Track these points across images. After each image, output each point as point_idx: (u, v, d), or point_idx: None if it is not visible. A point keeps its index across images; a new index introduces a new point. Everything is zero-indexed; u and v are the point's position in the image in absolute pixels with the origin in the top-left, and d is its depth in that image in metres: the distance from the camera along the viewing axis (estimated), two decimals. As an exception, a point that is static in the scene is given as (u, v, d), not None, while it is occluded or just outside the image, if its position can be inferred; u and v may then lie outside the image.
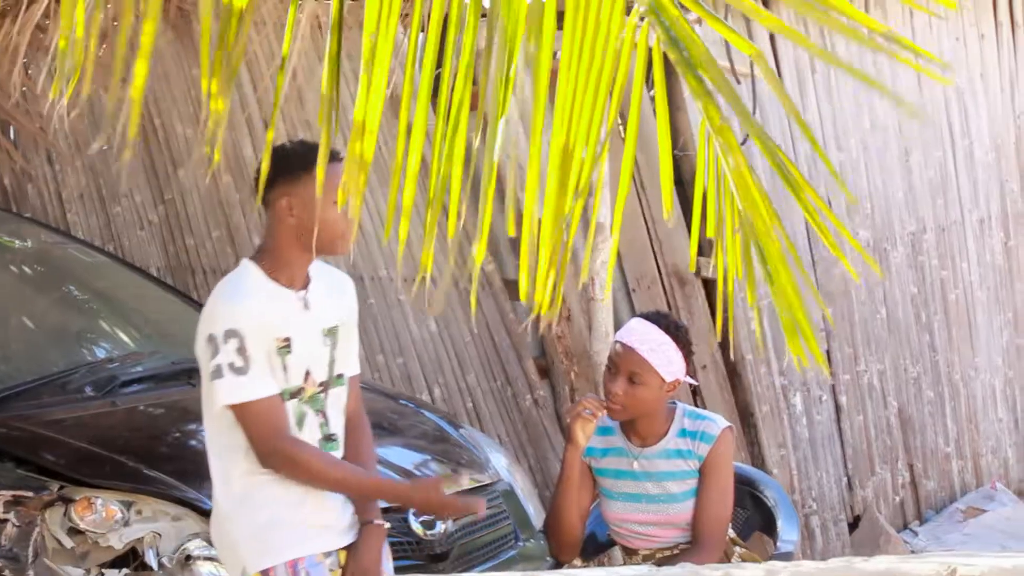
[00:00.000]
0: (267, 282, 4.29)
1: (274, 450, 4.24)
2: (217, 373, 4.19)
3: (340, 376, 4.43)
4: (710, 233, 3.12)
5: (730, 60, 7.30)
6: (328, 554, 4.36)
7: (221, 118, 2.90)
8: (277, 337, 4.25)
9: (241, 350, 4.17)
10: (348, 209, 4.27)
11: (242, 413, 4.22)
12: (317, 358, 4.36)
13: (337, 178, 4.14)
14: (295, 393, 4.30)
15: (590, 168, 2.91)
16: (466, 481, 5.37)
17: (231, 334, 4.18)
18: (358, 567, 4.40)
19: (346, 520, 4.44)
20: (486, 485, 5.74)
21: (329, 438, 4.40)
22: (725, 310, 3.29)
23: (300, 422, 4.32)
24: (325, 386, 4.38)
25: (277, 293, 4.30)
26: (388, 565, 4.54)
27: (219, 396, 4.21)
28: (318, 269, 4.45)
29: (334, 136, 2.99)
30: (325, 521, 4.37)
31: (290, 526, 4.30)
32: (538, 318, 2.97)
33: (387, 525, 4.50)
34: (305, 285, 4.36)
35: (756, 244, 2.95)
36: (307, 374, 4.33)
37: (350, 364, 4.49)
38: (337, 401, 4.43)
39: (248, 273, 4.32)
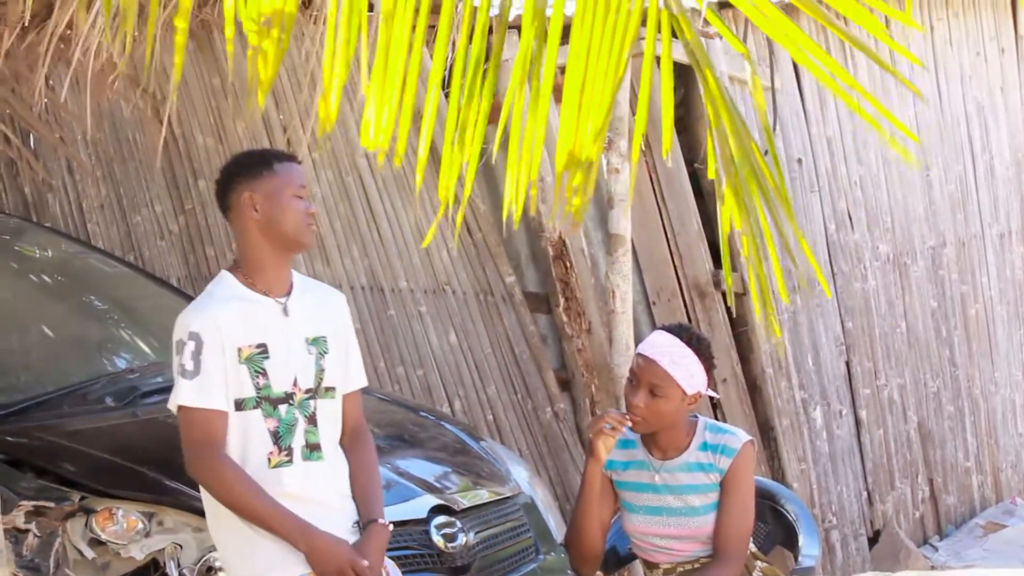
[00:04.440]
0: (242, 289, 4.37)
1: (198, 460, 4.28)
2: (175, 377, 4.29)
3: (330, 389, 4.44)
4: (730, 226, 3.11)
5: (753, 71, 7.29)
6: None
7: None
8: (247, 344, 4.30)
9: (195, 355, 4.24)
10: (308, 203, 4.40)
11: (180, 416, 4.30)
12: (303, 365, 4.38)
13: (295, 176, 4.33)
14: (284, 399, 4.34)
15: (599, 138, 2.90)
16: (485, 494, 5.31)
17: (191, 337, 4.26)
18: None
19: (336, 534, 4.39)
20: (507, 498, 5.73)
21: (314, 447, 4.39)
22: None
23: (291, 428, 4.33)
24: (312, 393, 4.39)
25: (252, 299, 4.36)
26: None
27: (172, 400, 4.31)
28: (305, 283, 4.52)
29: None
30: None
31: (267, 545, 4.30)
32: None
33: (391, 527, 4.48)
34: (286, 293, 4.41)
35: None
36: (295, 380, 4.36)
37: (345, 380, 4.51)
38: (327, 414, 4.43)
39: (221, 281, 4.42)
